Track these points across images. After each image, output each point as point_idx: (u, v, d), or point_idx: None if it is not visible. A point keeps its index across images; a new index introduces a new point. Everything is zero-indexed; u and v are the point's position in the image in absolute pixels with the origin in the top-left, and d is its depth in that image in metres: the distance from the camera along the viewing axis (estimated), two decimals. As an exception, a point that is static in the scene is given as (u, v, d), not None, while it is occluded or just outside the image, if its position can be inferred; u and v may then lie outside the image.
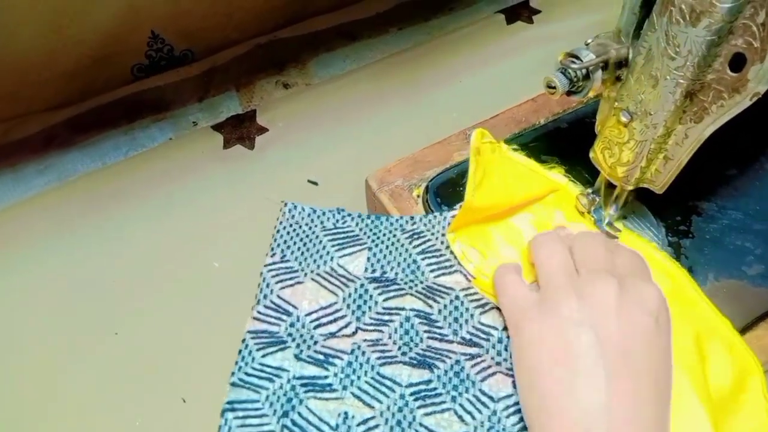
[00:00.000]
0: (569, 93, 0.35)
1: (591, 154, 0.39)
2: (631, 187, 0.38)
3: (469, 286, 0.40)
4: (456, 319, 0.38)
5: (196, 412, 0.41)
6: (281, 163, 0.53)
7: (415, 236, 0.42)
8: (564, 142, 0.46)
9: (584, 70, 0.34)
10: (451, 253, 0.41)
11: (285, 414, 0.35)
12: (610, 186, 0.40)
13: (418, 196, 0.45)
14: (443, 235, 0.41)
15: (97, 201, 0.50)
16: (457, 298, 0.39)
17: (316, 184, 0.52)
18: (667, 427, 0.31)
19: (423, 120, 0.56)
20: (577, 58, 0.35)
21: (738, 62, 0.30)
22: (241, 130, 0.55)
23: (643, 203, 0.43)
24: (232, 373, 0.37)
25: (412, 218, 0.43)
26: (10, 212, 0.49)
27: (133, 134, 0.54)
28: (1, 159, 0.51)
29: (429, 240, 0.42)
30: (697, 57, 0.31)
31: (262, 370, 0.37)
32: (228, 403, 0.36)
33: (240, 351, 0.38)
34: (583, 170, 0.43)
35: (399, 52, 0.62)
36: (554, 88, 0.35)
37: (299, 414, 0.35)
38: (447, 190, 0.44)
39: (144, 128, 0.55)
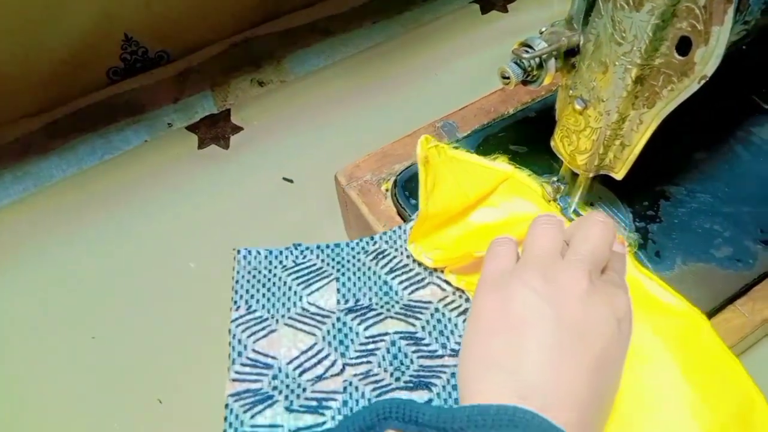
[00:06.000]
0: (524, 83, 0.35)
1: (552, 143, 0.39)
2: (591, 175, 0.38)
3: (445, 296, 0.38)
4: (441, 332, 0.37)
5: (172, 412, 0.41)
6: (256, 161, 0.54)
7: (380, 256, 0.40)
8: (532, 131, 0.46)
9: (537, 59, 0.34)
10: (419, 265, 0.39)
11: None
12: (575, 174, 0.40)
13: (387, 190, 0.44)
14: (407, 248, 0.40)
15: (74, 206, 0.51)
16: (437, 310, 0.38)
17: (291, 181, 0.52)
18: (601, 421, 0.30)
19: (399, 114, 0.56)
20: (530, 47, 0.34)
21: (685, 45, 0.30)
22: (215, 130, 0.55)
23: (611, 189, 0.43)
24: None
25: (372, 238, 0.41)
26: (-13, 220, 0.50)
27: (108, 137, 0.55)
28: (-21, 168, 0.52)
29: (395, 257, 0.40)
30: (643, 42, 0.30)
31: None
32: None
33: (225, 418, 0.34)
34: (551, 158, 0.43)
35: (374, 46, 0.62)
36: (508, 78, 0.35)
37: None
38: (415, 184, 0.44)
39: (119, 131, 0.55)
